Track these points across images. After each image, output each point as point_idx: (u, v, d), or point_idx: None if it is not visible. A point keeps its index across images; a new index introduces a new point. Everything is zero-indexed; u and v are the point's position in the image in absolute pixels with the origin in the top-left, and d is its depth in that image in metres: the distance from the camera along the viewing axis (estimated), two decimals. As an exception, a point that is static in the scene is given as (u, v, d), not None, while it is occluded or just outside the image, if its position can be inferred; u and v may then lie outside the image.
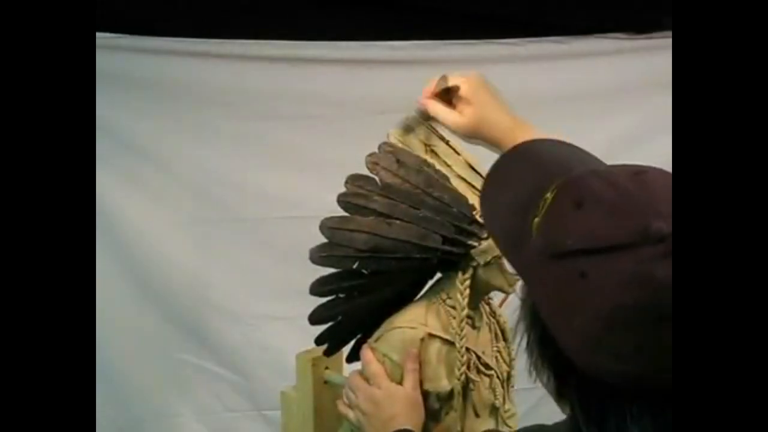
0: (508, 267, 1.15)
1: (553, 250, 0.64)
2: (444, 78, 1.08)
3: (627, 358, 0.61)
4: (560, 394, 0.71)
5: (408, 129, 1.17)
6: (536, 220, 0.67)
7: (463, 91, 1.05)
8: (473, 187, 1.15)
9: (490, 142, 1.04)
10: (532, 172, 0.74)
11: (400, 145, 1.17)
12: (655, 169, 0.66)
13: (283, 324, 1.98)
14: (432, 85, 1.09)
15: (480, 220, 1.12)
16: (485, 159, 1.20)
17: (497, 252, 1.13)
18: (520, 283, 1.18)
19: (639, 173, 0.65)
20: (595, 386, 0.65)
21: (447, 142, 1.19)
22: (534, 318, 0.69)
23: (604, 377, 0.64)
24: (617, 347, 0.61)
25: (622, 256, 0.60)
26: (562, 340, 0.65)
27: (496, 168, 0.81)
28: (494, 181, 0.80)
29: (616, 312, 0.60)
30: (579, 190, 0.65)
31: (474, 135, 1.06)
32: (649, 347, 0.60)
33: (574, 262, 0.62)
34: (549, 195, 0.67)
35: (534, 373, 0.73)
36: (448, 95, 1.09)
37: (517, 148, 0.84)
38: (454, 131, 1.08)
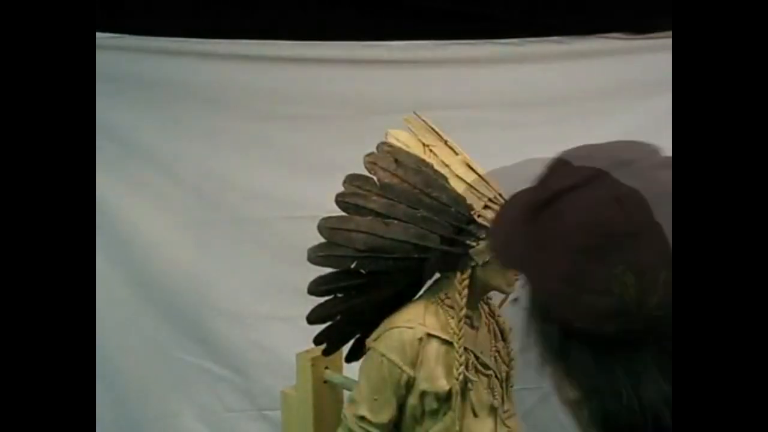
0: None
1: (533, 206, 0.66)
2: None
3: (606, 290, 0.60)
4: (567, 374, 0.68)
5: None
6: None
7: None
8: (472, 187, 1.15)
9: None
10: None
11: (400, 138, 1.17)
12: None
13: (283, 324, 1.98)
14: None
15: (478, 220, 1.12)
16: (484, 159, 1.20)
17: (496, 252, 1.13)
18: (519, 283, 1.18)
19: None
20: (600, 348, 0.63)
21: (446, 142, 1.19)
22: (534, 314, 0.68)
23: (592, 320, 0.62)
24: (596, 278, 0.60)
25: (588, 186, 0.63)
26: (543, 292, 0.65)
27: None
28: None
29: (588, 237, 0.61)
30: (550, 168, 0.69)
31: None
32: (627, 279, 0.59)
33: (552, 212, 0.64)
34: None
35: (556, 390, 0.71)
36: None
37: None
38: None
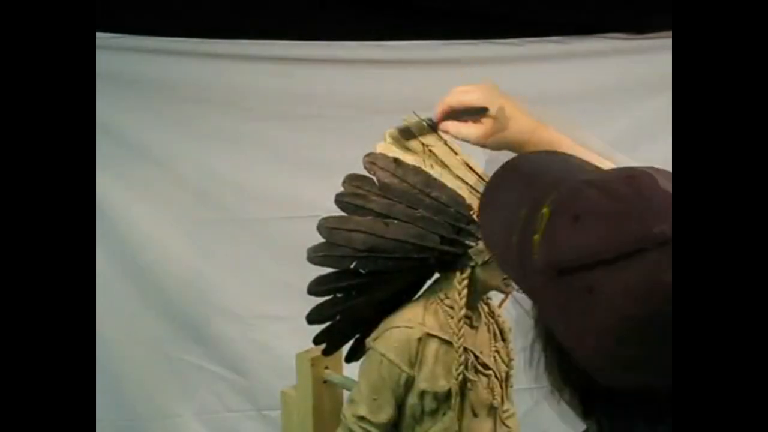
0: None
1: (556, 266, 0.62)
2: (460, 93, 1.03)
3: (644, 369, 0.60)
4: (586, 413, 0.69)
5: (407, 134, 1.13)
6: (536, 237, 0.65)
7: (479, 101, 1.01)
8: (471, 187, 1.15)
9: (514, 147, 1.00)
10: (523, 188, 0.73)
11: (393, 148, 1.16)
12: (645, 170, 0.64)
13: (283, 324, 1.99)
14: (448, 104, 1.04)
15: (478, 220, 1.12)
16: (483, 159, 1.20)
17: (496, 252, 1.13)
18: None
19: (631, 177, 0.63)
20: (620, 400, 0.63)
21: (445, 142, 1.19)
22: (549, 337, 0.67)
23: (628, 390, 0.62)
24: (633, 359, 0.59)
25: (627, 266, 0.58)
26: (579, 358, 0.63)
27: (488, 189, 0.79)
28: (488, 203, 0.78)
29: (627, 324, 0.58)
30: (574, 204, 0.63)
31: (498, 143, 1.01)
32: (665, 355, 0.58)
33: (580, 278, 0.60)
34: (545, 209, 0.65)
35: (557, 392, 0.71)
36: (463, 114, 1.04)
37: (506, 165, 0.80)
38: (476, 143, 1.03)
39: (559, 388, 0.70)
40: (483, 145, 1.02)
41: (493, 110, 1.00)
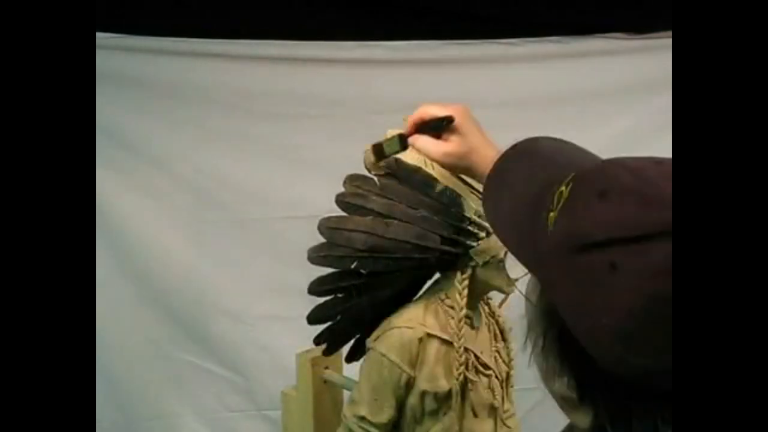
0: (511, 266, 1.15)
1: (578, 242, 0.60)
2: (430, 107, 1.03)
3: (662, 354, 0.58)
4: (581, 399, 0.67)
5: (380, 154, 1.09)
6: (552, 214, 0.64)
7: (446, 113, 1.02)
8: (471, 187, 1.15)
9: (474, 173, 1.00)
10: (538, 168, 0.72)
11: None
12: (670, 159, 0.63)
13: (283, 324, 1.99)
14: (418, 116, 1.04)
15: (478, 220, 1.12)
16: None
17: (496, 252, 1.13)
18: (524, 285, 1.18)
19: (660, 162, 0.62)
20: (622, 387, 0.62)
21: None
22: (551, 319, 0.65)
23: (636, 376, 0.60)
24: (651, 343, 0.58)
25: (654, 246, 0.57)
26: (589, 339, 0.61)
27: (497, 169, 0.79)
28: (496, 182, 0.78)
29: (651, 304, 0.57)
30: (601, 180, 0.62)
31: (460, 165, 1.01)
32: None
33: (603, 254, 0.58)
34: (564, 188, 0.64)
35: (545, 380, 0.69)
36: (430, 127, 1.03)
37: (517, 147, 0.81)
38: (442, 162, 1.03)
39: (551, 376, 0.68)
40: (441, 164, 1.03)
41: (459, 122, 0.99)
